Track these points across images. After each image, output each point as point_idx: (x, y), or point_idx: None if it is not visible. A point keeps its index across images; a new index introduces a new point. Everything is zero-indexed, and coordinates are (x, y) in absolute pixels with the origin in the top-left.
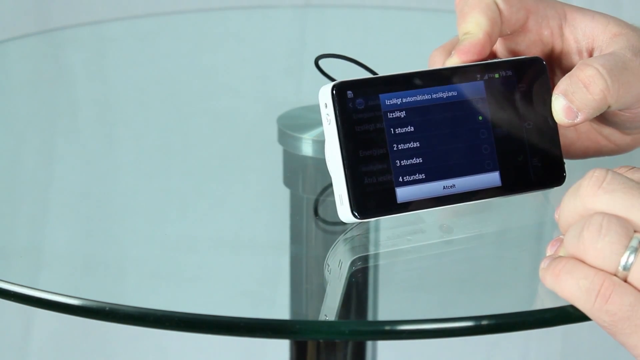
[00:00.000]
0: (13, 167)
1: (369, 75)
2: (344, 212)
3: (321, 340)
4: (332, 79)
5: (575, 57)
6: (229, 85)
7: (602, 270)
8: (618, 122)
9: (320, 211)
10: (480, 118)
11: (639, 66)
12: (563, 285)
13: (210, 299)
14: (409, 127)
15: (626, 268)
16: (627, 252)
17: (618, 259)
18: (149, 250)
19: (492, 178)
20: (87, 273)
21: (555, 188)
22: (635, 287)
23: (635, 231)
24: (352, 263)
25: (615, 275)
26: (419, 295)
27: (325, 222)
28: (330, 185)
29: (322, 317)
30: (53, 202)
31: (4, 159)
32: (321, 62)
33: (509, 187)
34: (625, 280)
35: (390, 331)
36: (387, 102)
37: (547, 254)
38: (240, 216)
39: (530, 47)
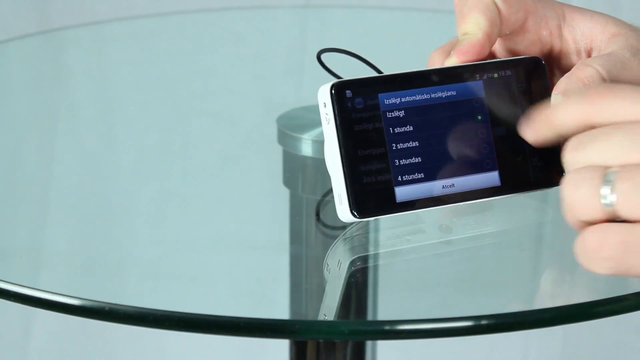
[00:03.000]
0: (13, 167)
1: (370, 73)
2: (343, 211)
3: (321, 340)
4: (334, 74)
5: (574, 57)
6: (229, 85)
7: (593, 220)
8: None
9: (321, 214)
10: (479, 118)
11: (637, 66)
12: (578, 258)
13: (210, 299)
14: (408, 127)
15: (610, 204)
16: (604, 188)
17: (598, 199)
18: (148, 250)
19: (492, 178)
20: (87, 273)
21: (555, 188)
22: (625, 219)
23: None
24: (352, 263)
25: (607, 219)
26: (419, 295)
27: (326, 226)
28: (331, 189)
29: (321, 317)
30: (53, 202)
31: (4, 159)
32: (323, 59)
33: (508, 186)
34: (617, 218)
35: (390, 331)
36: (386, 102)
37: None
38: (240, 216)
39: (529, 47)
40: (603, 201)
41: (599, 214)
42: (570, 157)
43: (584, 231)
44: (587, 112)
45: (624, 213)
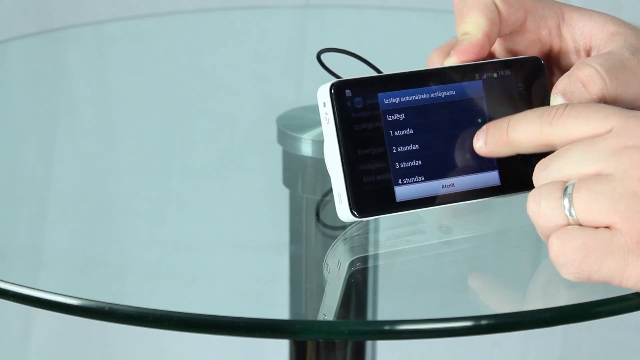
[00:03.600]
0: (13, 167)
1: (370, 73)
2: (343, 211)
3: (320, 340)
4: (334, 74)
5: (573, 57)
6: (229, 85)
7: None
8: None
9: (321, 215)
10: (478, 117)
11: (637, 65)
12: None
13: (210, 299)
14: (408, 126)
15: (572, 214)
16: (565, 200)
17: (561, 211)
18: (148, 250)
19: (491, 177)
20: (87, 273)
21: None
22: (585, 226)
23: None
24: (352, 263)
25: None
26: (418, 295)
27: (326, 226)
28: (331, 189)
29: (320, 317)
30: (53, 202)
31: (4, 159)
32: (323, 59)
33: (508, 186)
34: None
35: (390, 331)
36: (386, 101)
37: None
38: (240, 216)
39: (528, 47)
40: (566, 213)
41: (563, 224)
42: (535, 178)
43: (551, 236)
44: (545, 132)
45: (584, 220)
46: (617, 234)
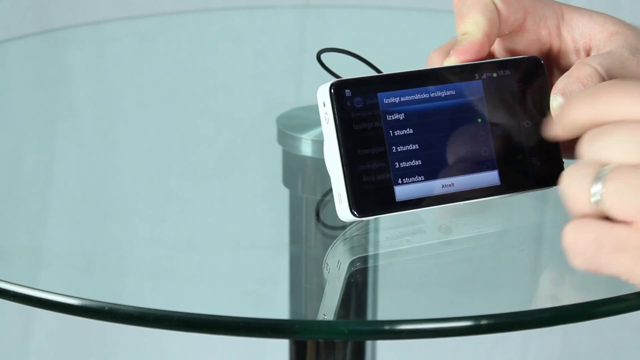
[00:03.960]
0: (13, 167)
1: (370, 73)
2: (343, 210)
3: (320, 340)
4: (334, 74)
5: (572, 57)
6: (229, 85)
7: (583, 215)
8: None
9: (321, 215)
10: (478, 117)
11: (636, 65)
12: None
13: (210, 299)
14: (407, 126)
15: (598, 202)
16: (596, 185)
17: (588, 195)
18: (148, 250)
19: (491, 177)
20: (87, 273)
21: (554, 187)
22: (606, 217)
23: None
24: (351, 263)
25: (596, 215)
26: (418, 295)
27: (326, 226)
28: (331, 189)
29: (320, 317)
30: (53, 202)
31: (4, 159)
32: (323, 59)
33: (507, 186)
34: (605, 215)
35: (390, 331)
36: (385, 101)
37: None
38: (239, 216)
39: (528, 47)
40: (593, 198)
41: (588, 210)
42: (581, 148)
43: (567, 225)
44: (597, 108)
45: (609, 211)
46: (634, 234)
